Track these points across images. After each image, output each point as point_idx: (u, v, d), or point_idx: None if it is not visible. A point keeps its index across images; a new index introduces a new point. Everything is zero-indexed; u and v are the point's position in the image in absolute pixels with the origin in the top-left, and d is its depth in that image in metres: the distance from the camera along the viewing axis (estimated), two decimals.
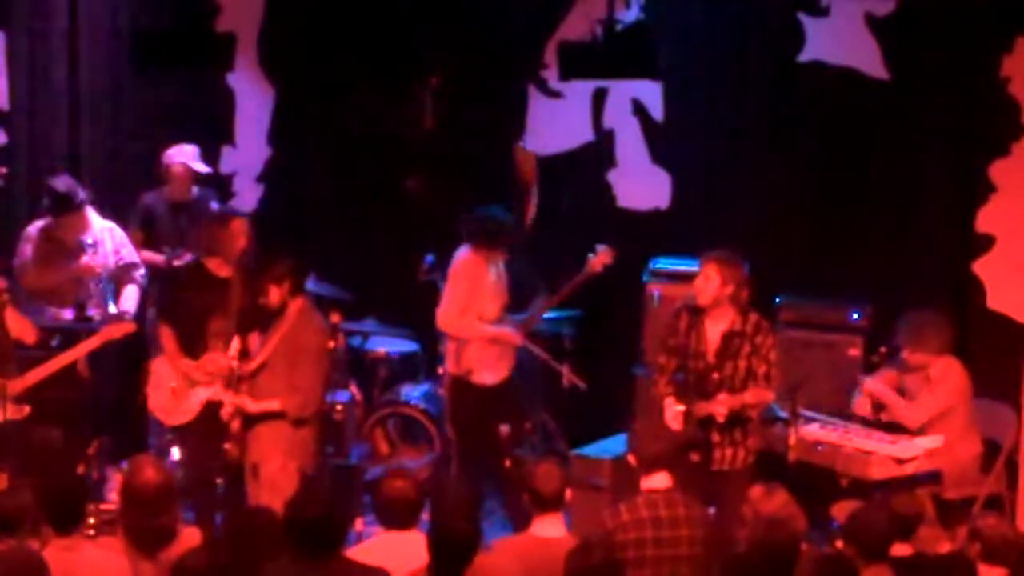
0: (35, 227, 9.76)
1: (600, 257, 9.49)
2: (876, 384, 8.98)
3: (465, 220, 9.35)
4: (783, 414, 8.69)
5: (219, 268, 8.72)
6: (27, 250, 9.70)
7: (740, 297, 8.35)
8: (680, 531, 6.73)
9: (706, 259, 8.35)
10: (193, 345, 8.65)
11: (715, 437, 8.33)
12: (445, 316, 9.31)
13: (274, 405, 8.36)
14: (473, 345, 9.25)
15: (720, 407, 8.18)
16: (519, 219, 9.43)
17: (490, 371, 9.29)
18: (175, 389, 8.67)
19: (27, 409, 8.62)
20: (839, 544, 6.79)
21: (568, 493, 6.70)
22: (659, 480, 6.92)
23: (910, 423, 8.82)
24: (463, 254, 9.33)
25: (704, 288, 8.31)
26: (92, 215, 9.71)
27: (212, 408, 8.54)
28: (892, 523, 6.61)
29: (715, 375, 8.31)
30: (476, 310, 9.23)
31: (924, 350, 8.82)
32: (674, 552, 6.68)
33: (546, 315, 9.82)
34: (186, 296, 8.73)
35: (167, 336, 8.74)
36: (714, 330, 8.36)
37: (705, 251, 8.46)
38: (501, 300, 9.34)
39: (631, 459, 7.08)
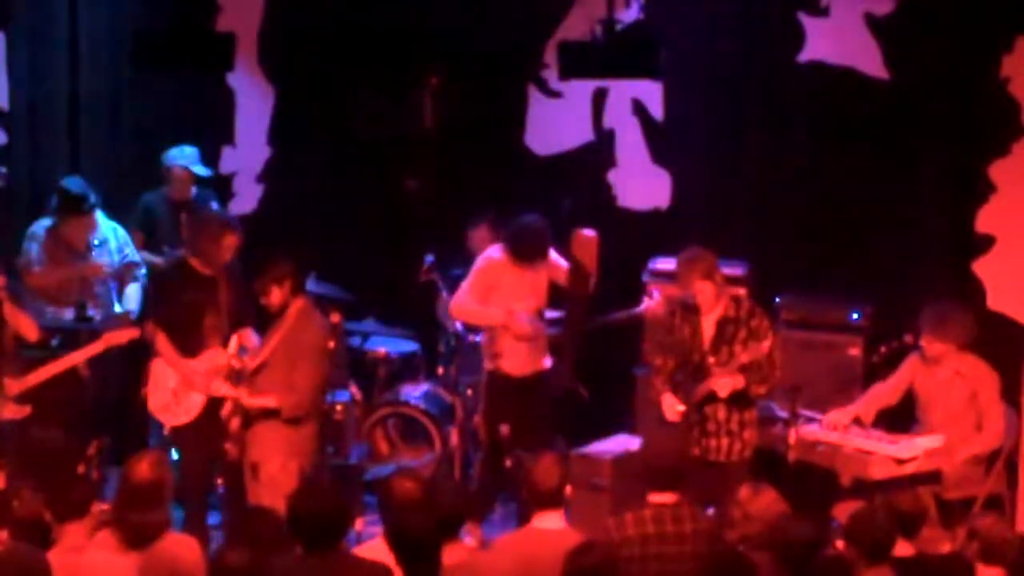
0: (41, 226, 9.77)
1: (655, 305, 9.51)
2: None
3: (506, 224, 9.38)
4: (783, 414, 8.70)
5: (203, 266, 8.72)
6: (33, 249, 9.70)
7: (723, 282, 8.50)
8: (685, 547, 6.68)
9: (688, 274, 8.44)
10: (190, 343, 8.65)
11: (711, 427, 8.37)
12: (453, 303, 9.46)
13: (271, 402, 8.36)
14: (504, 334, 9.28)
15: (720, 379, 8.24)
16: (583, 305, 9.40)
17: (519, 361, 9.30)
18: (175, 390, 8.67)
19: (27, 409, 8.63)
20: (839, 544, 6.77)
21: (568, 489, 6.70)
22: (667, 495, 6.88)
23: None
24: (493, 251, 9.38)
25: (707, 300, 8.43)
26: (100, 217, 9.73)
27: (211, 408, 8.54)
28: (893, 524, 6.60)
29: (711, 360, 8.35)
30: (506, 309, 9.26)
31: (944, 339, 8.78)
32: (678, 568, 6.64)
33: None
34: (176, 295, 8.72)
35: (161, 339, 8.72)
36: (709, 320, 8.46)
37: (680, 264, 8.54)
38: (533, 303, 9.33)
39: (642, 470, 6.99)
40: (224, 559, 6.02)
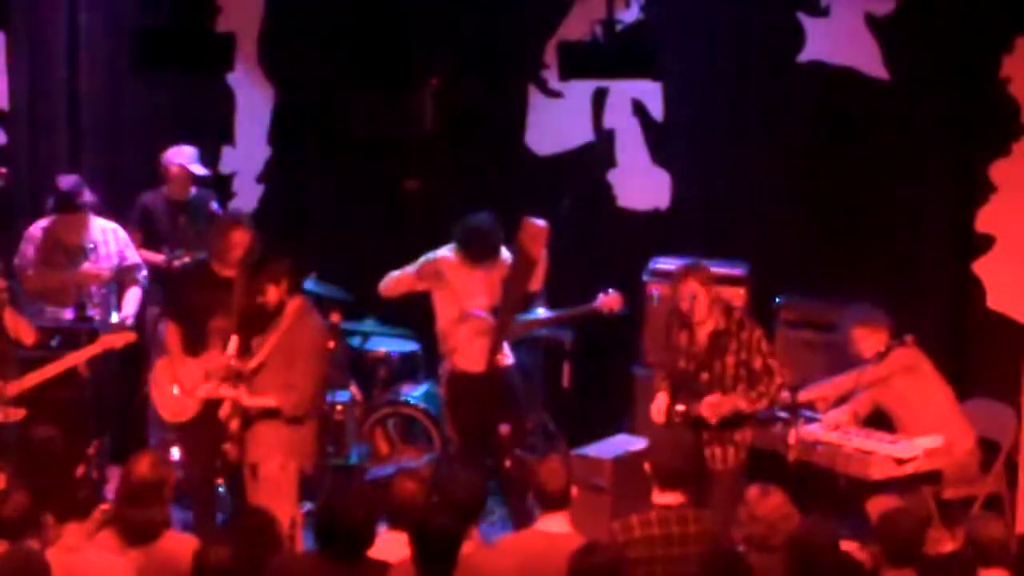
0: (38, 227, 9.77)
1: (609, 300, 9.47)
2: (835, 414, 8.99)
3: (457, 223, 9.35)
4: (783, 414, 8.70)
5: (222, 268, 8.73)
6: (29, 250, 9.70)
7: (719, 295, 8.49)
8: (690, 548, 6.68)
9: (685, 276, 8.43)
10: (196, 344, 8.65)
11: (705, 436, 8.37)
12: (383, 281, 9.40)
13: (270, 402, 8.35)
14: (457, 331, 9.26)
15: (709, 411, 8.24)
16: (521, 292, 9.33)
17: (472, 358, 9.27)
18: (177, 387, 8.67)
19: (23, 412, 8.61)
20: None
21: (574, 491, 6.70)
22: (673, 496, 6.88)
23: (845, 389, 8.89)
24: (444, 251, 9.35)
25: (701, 307, 8.40)
26: (94, 219, 9.72)
27: (212, 407, 8.53)
28: (837, 537, 6.56)
29: (704, 376, 8.35)
30: (457, 306, 9.25)
31: (864, 326, 8.87)
32: (683, 570, 6.64)
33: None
34: (190, 295, 8.73)
35: (172, 335, 8.73)
36: (702, 331, 8.43)
37: (679, 268, 8.56)
38: (486, 301, 9.31)
39: (647, 468, 7.00)
40: (207, 557, 6.03)
